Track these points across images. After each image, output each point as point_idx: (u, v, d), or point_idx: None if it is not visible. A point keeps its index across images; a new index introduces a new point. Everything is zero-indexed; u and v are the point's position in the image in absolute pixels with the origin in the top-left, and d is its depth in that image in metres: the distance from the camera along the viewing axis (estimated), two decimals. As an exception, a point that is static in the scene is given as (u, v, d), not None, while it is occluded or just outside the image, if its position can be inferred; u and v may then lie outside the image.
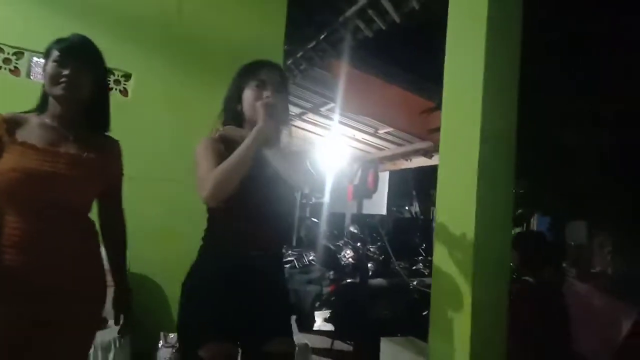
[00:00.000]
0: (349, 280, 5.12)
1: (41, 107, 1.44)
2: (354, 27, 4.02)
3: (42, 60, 2.72)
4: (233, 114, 1.53)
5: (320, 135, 7.18)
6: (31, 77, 2.71)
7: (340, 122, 6.04)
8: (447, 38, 2.00)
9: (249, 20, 3.28)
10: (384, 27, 3.78)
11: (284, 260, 1.43)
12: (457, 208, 1.79)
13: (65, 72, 1.36)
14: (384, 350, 2.85)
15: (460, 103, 1.87)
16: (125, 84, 2.93)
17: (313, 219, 8.23)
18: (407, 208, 11.52)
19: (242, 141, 1.38)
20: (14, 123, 1.36)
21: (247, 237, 1.42)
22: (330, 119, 6.30)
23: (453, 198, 1.82)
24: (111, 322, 1.98)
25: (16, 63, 2.68)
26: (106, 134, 1.53)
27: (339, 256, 5.90)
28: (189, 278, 1.47)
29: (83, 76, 1.39)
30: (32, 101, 2.30)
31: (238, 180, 1.33)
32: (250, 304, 1.39)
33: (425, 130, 5.57)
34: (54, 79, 1.37)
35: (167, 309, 2.90)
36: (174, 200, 2.93)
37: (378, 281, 5.21)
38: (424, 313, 4.14)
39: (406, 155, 7.03)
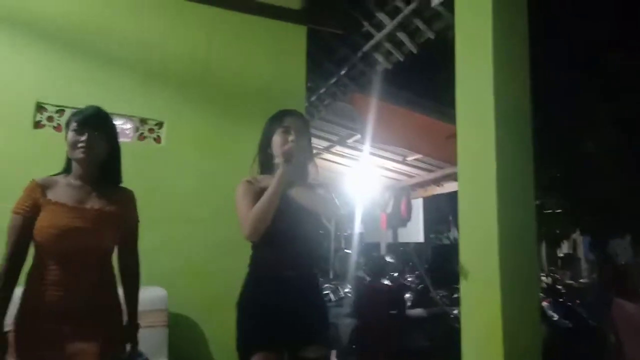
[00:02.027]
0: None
1: (67, 169, 1.70)
2: (372, 61, 4.13)
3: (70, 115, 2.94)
4: (265, 156, 1.82)
5: (348, 166, 7.25)
6: (73, 132, 2.92)
7: (369, 152, 6.10)
8: (456, 62, 2.05)
9: (271, 62, 3.44)
10: (401, 59, 3.87)
11: (318, 281, 1.86)
12: (478, 231, 1.79)
13: (83, 138, 1.60)
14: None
15: (474, 125, 1.90)
16: (158, 132, 3.11)
17: (346, 250, 8.19)
18: (445, 234, 11.30)
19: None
20: (46, 186, 1.62)
21: (280, 261, 1.69)
22: (358, 149, 6.38)
23: (474, 221, 1.82)
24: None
25: (58, 120, 2.90)
26: (121, 185, 1.77)
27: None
28: (240, 299, 1.74)
29: (97, 140, 1.63)
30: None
31: (270, 218, 1.62)
32: (290, 316, 1.63)
33: (454, 154, 5.56)
34: (74, 145, 1.62)
35: (205, 346, 2.95)
36: (204, 238, 3.04)
37: (417, 311, 5.10)
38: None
39: (437, 181, 6.98)
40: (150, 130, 3.09)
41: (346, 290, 5.77)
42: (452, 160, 6.00)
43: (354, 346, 4.05)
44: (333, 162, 7.11)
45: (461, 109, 1.99)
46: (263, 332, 1.61)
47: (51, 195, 1.60)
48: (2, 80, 2.78)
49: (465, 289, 1.85)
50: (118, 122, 2.95)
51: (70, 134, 1.63)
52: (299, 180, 1.76)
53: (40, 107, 2.86)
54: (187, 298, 2.87)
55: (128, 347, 1.72)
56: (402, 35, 3.67)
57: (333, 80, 4.58)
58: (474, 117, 1.91)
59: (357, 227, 8.83)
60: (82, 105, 2.82)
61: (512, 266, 1.73)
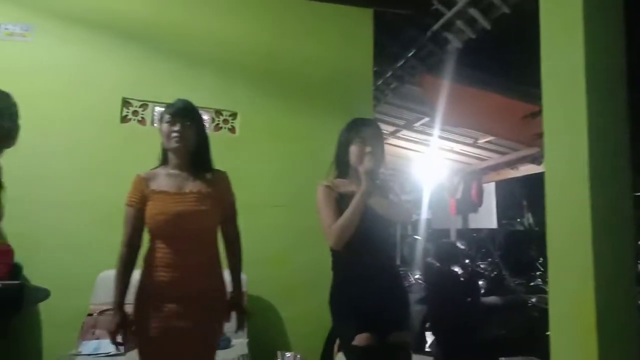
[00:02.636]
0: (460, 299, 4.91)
1: (163, 161, 1.86)
2: (442, 40, 3.98)
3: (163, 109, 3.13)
4: (343, 164, 1.94)
5: (416, 150, 7.09)
6: (155, 125, 3.11)
7: (437, 135, 5.92)
8: (541, 35, 1.91)
9: (339, 48, 3.44)
10: (473, 36, 3.69)
11: (400, 276, 2.04)
12: (569, 216, 1.68)
13: (176, 129, 1.76)
14: (504, 372, 2.69)
15: (562, 102, 1.77)
16: (232, 123, 3.22)
17: (415, 237, 8.05)
18: (519, 220, 10.78)
19: (348, 189, 1.84)
20: (149, 178, 1.80)
21: (363, 262, 1.81)
22: (425, 133, 6.21)
23: (564, 205, 1.70)
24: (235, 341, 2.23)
25: (142, 114, 3.09)
26: (214, 168, 1.89)
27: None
28: (333, 297, 1.87)
29: (188, 130, 1.78)
30: (158, 145, 2.64)
31: (353, 230, 1.76)
32: (379, 309, 1.78)
33: (530, 135, 5.23)
34: (168, 136, 1.77)
35: (282, 329, 3.06)
36: (280, 225, 3.13)
37: (492, 299, 4.93)
38: (548, 333, 3.81)
39: (512, 164, 6.63)
40: (225, 121, 3.21)
41: (416, 276, 5.71)
42: (528, 141, 5.68)
43: (428, 332, 4.01)
44: (399, 147, 6.98)
45: (548, 86, 1.85)
46: (360, 320, 1.76)
47: (154, 185, 1.77)
48: (93, 79, 3.00)
49: (555, 278, 1.75)
50: (195, 114, 3.10)
51: (165, 126, 1.78)
52: (374, 187, 1.88)
53: (126, 102, 3.06)
54: (265, 282, 2.98)
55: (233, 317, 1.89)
56: (474, 12, 3.49)
57: (400, 63, 4.46)
58: (562, 95, 1.78)
59: (424, 213, 8.65)
60: (163, 98, 3.00)
61: (607, 253, 1.60)
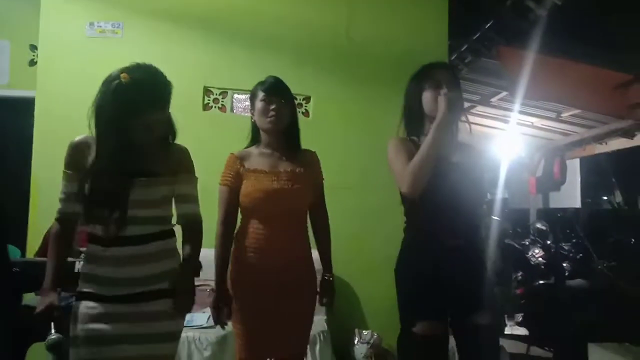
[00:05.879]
0: (541, 282, 4.71)
1: (254, 140, 1.83)
2: (523, 9, 3.74)
3: (241, 97, 3.23)
4: (415, 118, 1.66)
5: (492, 127, 6.78)
6: (234, 112, 3.25)
7: (516, 110, 5.62)
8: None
9: (412, 27, 3.37)
10: (559, 2, 3.43)
11: (483, 252, 1.76)
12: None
13: (272, 107, 1.70)
14: (593, 357, 2.57)
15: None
16: (306, 106, 3.29)
17: (493, 217, 7.75)
18: (605, 198, 10.02)
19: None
20: (243, 157, 1.77)
21: (441, 228, 1.55)
22: (503, 108, 5.91)
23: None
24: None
25: (222, 101, 3.24)
26: (304, 148, 1.85)
27: (526, 255, 5.46)
28: (398, 266, 1.66)
29: (284, 108, 1.72)
30: (237, 131, 2.75)
31: (431, 169, 1.50)
32: (453, 286, 1.53)
33: (623, 107, 4.81)
34: (265, 114, 1.71)
35: (359, 307, 3.13)
36: (356, 206, 3.17)
37: (577, 282, 4.68)
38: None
39: (599, 138, 6.15)
40: (299, 105, 3.27)
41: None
42: (619, 113, 5.22)
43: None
44: (474, 123, 6.70)
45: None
46: (424, 301, 1.54)
47: (248, 164, 1.74)
48: (177, 70, 3.11)
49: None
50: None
51: (260, 104, 1.72)
52: (451, 140, 1.63)
53: (207, 91, 3.23)
54: (341, 261, 3.01)
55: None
56: (561, -24, 3.24)
57: (476, 36, 4.25)
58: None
59: (501, 193, 8.29)
60: (241, 85, 3.12)
61: None
